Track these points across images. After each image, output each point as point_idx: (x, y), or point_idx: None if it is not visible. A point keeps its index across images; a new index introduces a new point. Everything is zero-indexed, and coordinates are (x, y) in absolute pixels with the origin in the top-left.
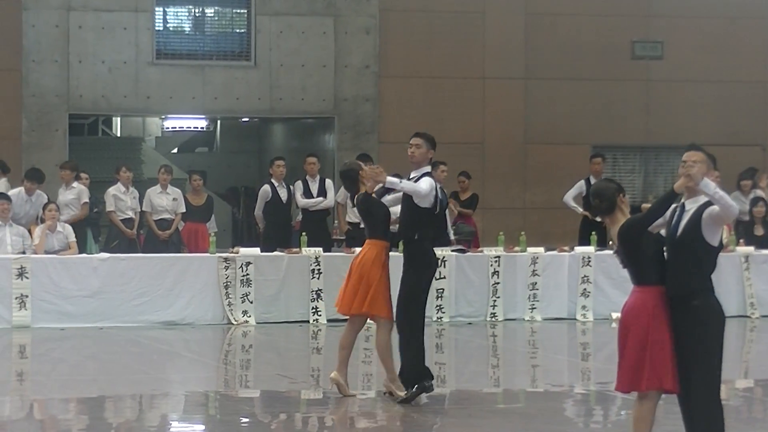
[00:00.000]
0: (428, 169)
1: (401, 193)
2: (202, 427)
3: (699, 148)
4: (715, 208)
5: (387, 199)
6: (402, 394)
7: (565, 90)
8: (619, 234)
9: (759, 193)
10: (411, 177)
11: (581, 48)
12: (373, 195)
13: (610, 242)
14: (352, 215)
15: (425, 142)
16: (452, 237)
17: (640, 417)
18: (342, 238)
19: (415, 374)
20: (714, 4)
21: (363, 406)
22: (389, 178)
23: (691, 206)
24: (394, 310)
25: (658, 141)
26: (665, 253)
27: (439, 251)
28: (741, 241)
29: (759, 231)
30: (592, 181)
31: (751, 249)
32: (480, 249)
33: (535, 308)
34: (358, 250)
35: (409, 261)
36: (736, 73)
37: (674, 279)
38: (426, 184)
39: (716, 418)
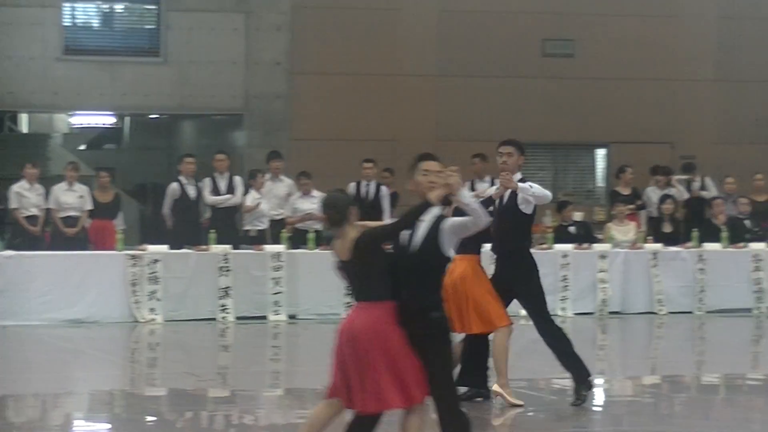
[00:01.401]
0: (520, 176)
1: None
2: (108, 426)
3: (436, 158)
4: (457, 219)
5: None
6: (513, 400)
7: (477, 87)
8: (358, 245)
9: (671, 191)
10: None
11: (493, 45)
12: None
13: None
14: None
15: (516, 150)
16: None
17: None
18: (252, 235)
19: (581, 371)
20: (624, 2)
21: (271, 404)
22: (521, 185)
23: (425, 217)
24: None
25: (568, 138)
26: (394, 266)
27: None
28: (649, 238)
29: (667, 228)
30: (476, 181)
31: (659, 246)
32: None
33: None
34: (267, 247)
35: (519, 268)
36: (646, 71)
37: (413, 292)
38: (541, 188)
39: (465, 424)
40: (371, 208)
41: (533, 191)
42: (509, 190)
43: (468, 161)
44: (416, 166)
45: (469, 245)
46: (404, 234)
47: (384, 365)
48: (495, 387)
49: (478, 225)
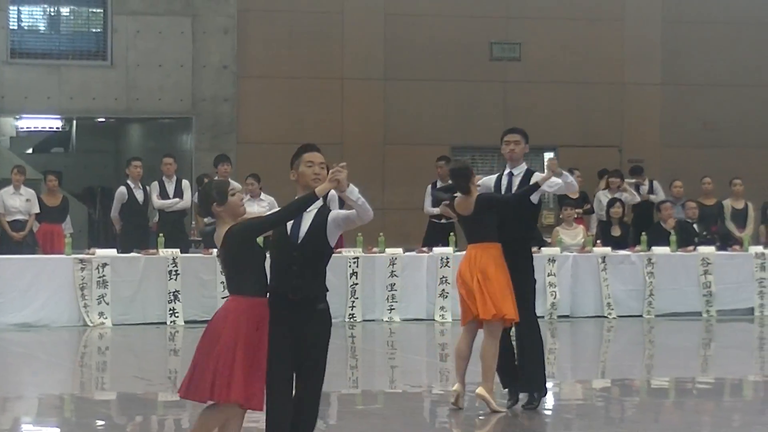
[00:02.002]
0: (525, 167)
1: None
2: (57, 430)
3: (318, 150)
4: (342, 212)
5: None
6: (497, 407)
7: (424, 91)
8: (229, 237)
9: (623, 195)
10: (515, 174)
11: (440, 49)
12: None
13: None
14: None
15: (523, 138)
16: None
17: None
18: (199, 239)
19: (540, 376)
20: (571, 6)
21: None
22: (564, 172)
23: (311, 209)
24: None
25: None
26: (278, 256)
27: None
28: (598, 241)
29: (616, 231)
30: (439, 184)
31: (608, 249)
32: (338, 250)
33: (393, 309)
34: (215, 251)
35: (519, 257)
36: (593, 75)
37: (298, 283)
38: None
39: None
40: None
41: (570, 180)
42: (517, 178)
43: (413, 164)
44: (299, 158)
45: (491, 233)
46: (288, 225)
47: (215, 357)
48: (480, 391)
49: (364, 220)
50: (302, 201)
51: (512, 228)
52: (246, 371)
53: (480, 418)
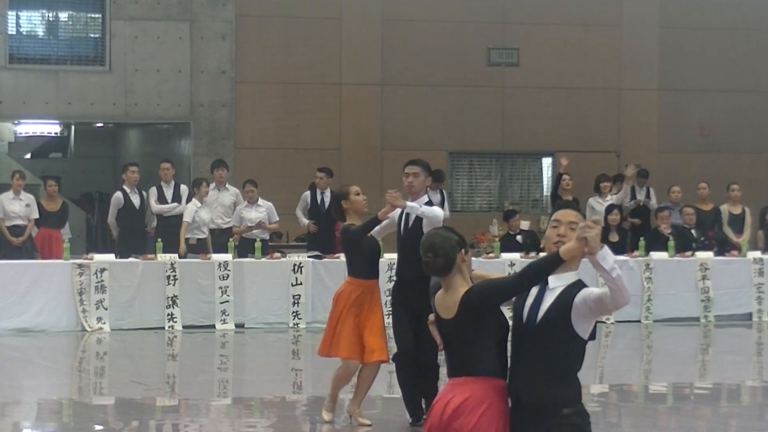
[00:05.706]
0: (427, 198)
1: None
2: None
3: (575, 208)
4: (594, 291)
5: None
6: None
7: (422, 96)
8: (467, 301)
9: (617, 196)
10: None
11: (437, 54)
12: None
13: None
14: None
15: (423, 170)
16: None
17: None
18: (192, 243)
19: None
20: (568, 11)
21: (218, 413)
22: (409, 203)
23: (557, 284)
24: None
25: (513, 147)
26: (510, 344)
27: (296, 257)
28: None
29: (614, 237)
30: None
31: None
32: (337, 255)
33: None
34: (214, 256)
35: (418, 298)
36: (591, 80)
37: (535, 381)
38: (440, 210)
39: None
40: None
41: (423, 211)
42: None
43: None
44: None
45: (365, 269)
46: (526, 307)
47: None
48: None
49: (618, 304)
50: (544, 262)
51: (410, 266)
52: None
53: None
